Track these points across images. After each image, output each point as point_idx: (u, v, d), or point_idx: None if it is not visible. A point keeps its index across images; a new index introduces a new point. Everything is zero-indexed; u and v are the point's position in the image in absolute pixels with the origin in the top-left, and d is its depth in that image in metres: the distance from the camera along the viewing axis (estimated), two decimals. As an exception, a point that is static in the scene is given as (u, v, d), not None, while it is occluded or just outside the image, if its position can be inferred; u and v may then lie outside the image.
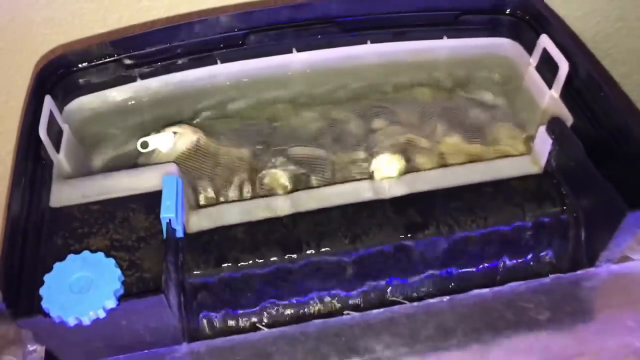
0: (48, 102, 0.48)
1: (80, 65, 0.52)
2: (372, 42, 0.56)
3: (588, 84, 0.46)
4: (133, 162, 0.51)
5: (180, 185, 0.44)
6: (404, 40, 0.56)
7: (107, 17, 0.60)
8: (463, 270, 0.45)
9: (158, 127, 0.52)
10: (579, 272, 0.43)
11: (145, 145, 0.50)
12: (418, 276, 0.45)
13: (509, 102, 0.55)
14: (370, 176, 0.48)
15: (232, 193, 0.49)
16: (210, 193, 0.49)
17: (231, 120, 0.55)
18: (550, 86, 0.49)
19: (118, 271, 0.38)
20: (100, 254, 0.38)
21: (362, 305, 0.45)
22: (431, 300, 0.42)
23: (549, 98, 0.50)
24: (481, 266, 0.45)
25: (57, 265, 0.38)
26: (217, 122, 0.54)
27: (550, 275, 0.43)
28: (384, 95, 0.56)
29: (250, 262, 0.43)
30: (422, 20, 0.56)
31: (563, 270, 0.44)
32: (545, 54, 0.50)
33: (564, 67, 0.47)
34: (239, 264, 0.43)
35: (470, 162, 0.49)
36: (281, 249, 0.43)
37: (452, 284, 0.45)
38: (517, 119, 0.53)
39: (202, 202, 0.48)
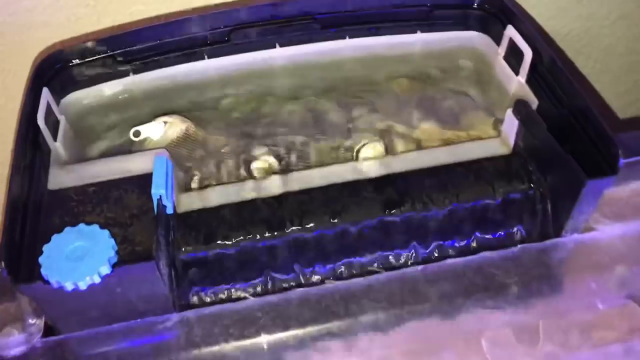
0: (46, 94, 0.50)
1: (75, 61, 0.55)
2: (350, 37, 0.59)
3: (551, 69, 0.49)
4: (126, 152, 0.53)
5: (170, 166, 0.46)
6: (381, 35, 0.59)
7: (101, 21, 0.63)
8: (437, 243, 0.47)
9: (150, 119, 0.55)
10: (546, 241, 0.46)
11: (137, 133, 0.53)
12: (395, 250, 0.47)
13: (480, 90, 0.58)
14: (352, 160, 0.51)
15: (220, 177, 0.51)
16: (199, 177, 0.51)
17: (219, 111, 0.57)
18: (517, 73, 0.52)
19: (112, 241, 0.40)
20: (95, 226, 0.41)
21: (343, 277, 0.47)
22: (407, 270, 0.45)
23: (516, 84, 0.52)
24: (454, 241, 0.48)
25: (55, 237, 0.40)
26: (205, 113, 0.57)
27: (519, 245, 0.46)
28: (363, 86, 0.59)
29: (239, 238, 0.45)
30: (397, 16, 0.58)
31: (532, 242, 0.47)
32: (512, 44, 0.53)
33: (528, 54, 0.50)
34: (227, 242, 0.45)
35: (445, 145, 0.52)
36: (266, 226, 0.45)
37: (427, 256, 0.47)
38: (488, 105, 0.56)
39: (192, 186, 0.51)
